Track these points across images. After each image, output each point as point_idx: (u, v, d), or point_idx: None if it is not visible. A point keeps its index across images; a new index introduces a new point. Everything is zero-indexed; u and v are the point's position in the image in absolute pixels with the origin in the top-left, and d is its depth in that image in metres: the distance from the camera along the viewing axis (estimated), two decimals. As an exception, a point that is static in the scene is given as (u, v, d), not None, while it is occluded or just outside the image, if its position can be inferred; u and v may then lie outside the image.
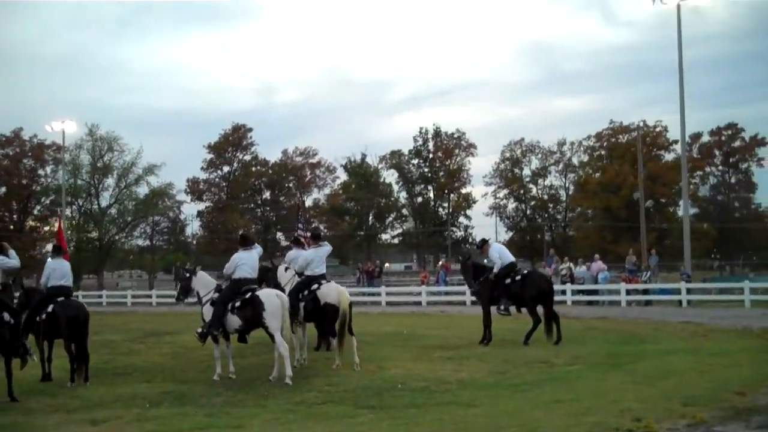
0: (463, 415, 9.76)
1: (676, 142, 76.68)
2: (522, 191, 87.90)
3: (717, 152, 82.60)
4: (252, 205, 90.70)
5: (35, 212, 78.93)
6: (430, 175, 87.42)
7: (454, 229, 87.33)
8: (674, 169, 74.08)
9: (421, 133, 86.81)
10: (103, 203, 75.60)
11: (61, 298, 13.84)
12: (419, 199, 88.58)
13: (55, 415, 10.91)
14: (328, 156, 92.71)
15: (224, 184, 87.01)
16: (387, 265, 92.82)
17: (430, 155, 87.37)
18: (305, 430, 9.24)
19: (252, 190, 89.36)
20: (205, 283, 14.46)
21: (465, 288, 35.52)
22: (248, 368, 14.74)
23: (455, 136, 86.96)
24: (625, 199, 73.09)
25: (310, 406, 10.94)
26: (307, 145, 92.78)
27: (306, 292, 14.57)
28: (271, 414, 10.37)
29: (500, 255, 17.75)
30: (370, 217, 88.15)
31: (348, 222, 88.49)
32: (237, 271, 13.79)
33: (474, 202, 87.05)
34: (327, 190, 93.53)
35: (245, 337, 14.33)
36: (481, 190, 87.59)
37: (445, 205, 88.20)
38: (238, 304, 13.44)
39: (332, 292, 14.65)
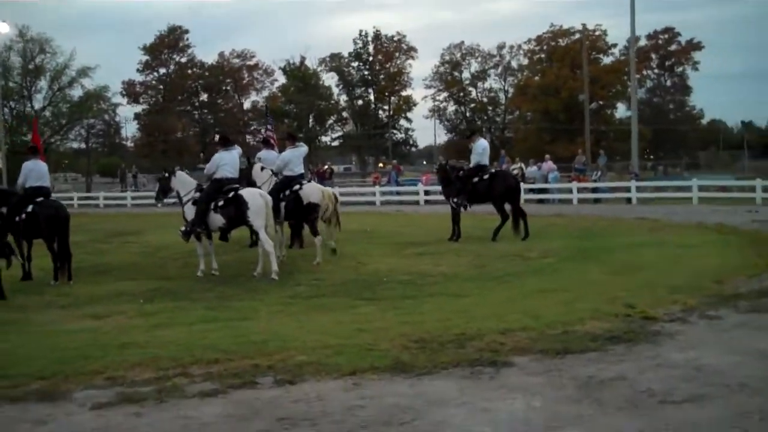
0: (461, 304, 10.13)
1: (615, 45, 77.69)
2: (462, 94, 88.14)
3: (653, 56, 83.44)
4: (189, 107, 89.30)
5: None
6: (370, 78, 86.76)
7: (395, 131, 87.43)
8: (612, 72, 75.21)
9: (361, 35, 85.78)
10: (37, 105, 73.56)
11: (40, 198, 13.78)
12: (359, 102, 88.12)
13: (50, 311, 11.02)
14: (265, 59, 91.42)
15: (161, 86, 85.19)
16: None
17: (371, 58, 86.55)
18: (312, 319, 9.47)
19: (188, 92, 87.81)
20: (185, 182, 14.51)
21: (417, 189, 36.21)
22: (228, 265, 14.91)
23: (395, 39, 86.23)
24: (563, 101, 74.03)
25: (306, 298, 11.21)
26: (243, 47, 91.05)
27: (287, 192, 14.68)
28: (270, 306, 10.58)
29: (483, 151, 18.03)
30: (310, 120, 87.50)
31: (287, 124, 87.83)
32: (219, 170, 13.86)
33: (414, 105, 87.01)
34: (265, 93, 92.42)
35: (227, 236, 14.52)
36: (421, 93, 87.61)
37: (386, 107, 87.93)
38: (221, 203, 13.54)
39: (315, 191, 14.87)
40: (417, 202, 35.53)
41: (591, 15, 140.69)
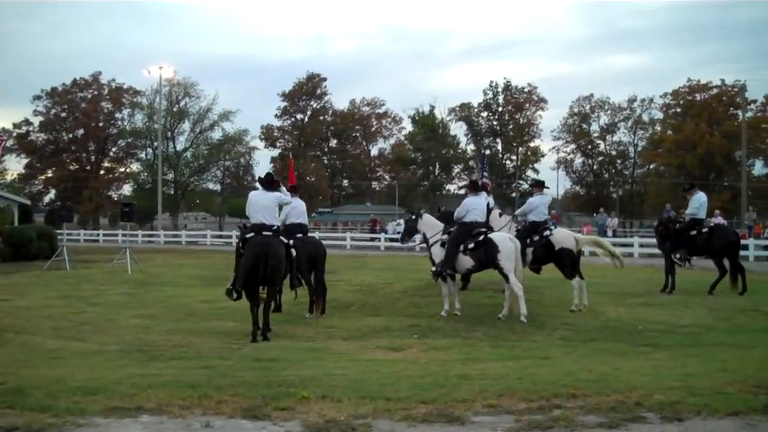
0: (735, 354, 10.17)
1: (755, 101, 76.11)
2: (590, 146, 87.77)
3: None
4: (319, 152, 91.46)
5: (111, 154, 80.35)
6: (498, 128, 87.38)
7: (521, 181, 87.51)
8: (751, 128, 73.57)
9: (491, 86, 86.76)
10: (179, 147, 76.78)
11: (300, 235, 14.48)
12: (487, 152, 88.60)
13: (337, 342, 11.55)
14: (394, 107, 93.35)
15: (296, 131, 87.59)
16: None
17: (500, 108, 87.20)
18: (613, 361, 9.69)
19: (320, 138, 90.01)
20: (432, 225, 15.03)
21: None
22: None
23: (526, 90, 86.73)
24: (699, 156, 72.87)
25: (582, 342, 11.46)
26: (373, 95, 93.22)
27: (537, 238, 15.03)
28: (552, 348, 10.92)
29: (701, 205, 18.08)
30: (436, 168, 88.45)
31: (412, 172, 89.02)
32: (468, 214, 14.35)
33: (542, 156, 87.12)
34: (392, 141, 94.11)
35: (468, 279, 14.98)
36: (548, 144, 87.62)
37: (513, 158, 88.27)
38: (471, 245, 13.99)
39: (567, 237, 15.22)
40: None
41: (706, 71, 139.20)
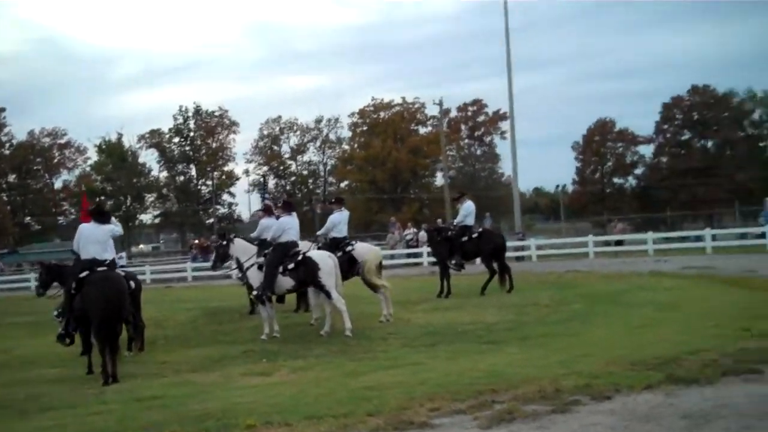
0: (571, 342, 11.41)
1: (433, 117, 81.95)
2: (282, 167, 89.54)
3: (463, 126, 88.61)
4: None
5: None
6: (191, 153, 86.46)
7: (218, 206, 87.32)
8: (433, 142, 79.20)
9: (181, 111, 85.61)
10: None
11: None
12: (181, 178, 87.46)
13: (193, 375, 11.30)
14: (77, 136, 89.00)
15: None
16: (141, 246, 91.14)
17: (191, 134, 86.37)
18: (485, 359, 10.46)
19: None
20: (245, 249, 14.99)
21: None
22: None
23: (216, 114, 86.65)
24: (389, 171, 77.23)
25: (427, 346, 12.12)
26: (54, 125, 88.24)
27: (340, 253, 15.43)
28: (399, 354, 11.54)
29: (470, 213, 19.50)
30: (128, 198, 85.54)
31: (102, 201, 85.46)
32: (284, 234, 14.51)
33: (237, 180, 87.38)
34: (77, 172, 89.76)
35: (283, 298, 15.14)
36: (242, 166, 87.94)
37: (209, 182, 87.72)
38: (291, 266, 14.18)
39: (369, 251, 15.79)
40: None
41: (380, 89, 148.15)
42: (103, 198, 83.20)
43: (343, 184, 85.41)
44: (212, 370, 11.53)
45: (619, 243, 35.52)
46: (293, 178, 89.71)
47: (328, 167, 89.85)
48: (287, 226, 14.57)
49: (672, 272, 21.12)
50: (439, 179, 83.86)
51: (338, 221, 16.14)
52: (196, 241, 46.55)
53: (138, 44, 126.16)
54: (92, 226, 11.76)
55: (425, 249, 33.33)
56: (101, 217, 11.92)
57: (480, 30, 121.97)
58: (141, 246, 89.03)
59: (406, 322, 15.22)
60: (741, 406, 6.90)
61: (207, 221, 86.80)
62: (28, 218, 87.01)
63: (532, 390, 8.10)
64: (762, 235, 30.52)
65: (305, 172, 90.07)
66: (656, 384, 8.00)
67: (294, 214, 15.04)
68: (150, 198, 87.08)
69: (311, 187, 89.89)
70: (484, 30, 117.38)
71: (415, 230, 36.51)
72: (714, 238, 31.44)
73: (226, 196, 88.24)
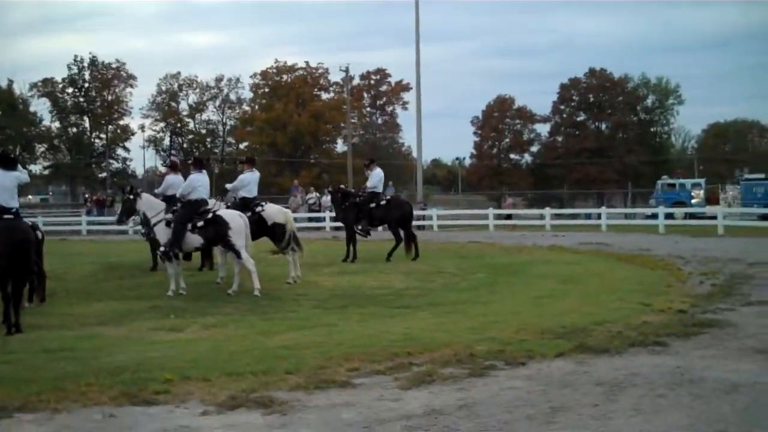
0: (480, 310, 11.64)
1: (336, 83, 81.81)
2: (179, 125, 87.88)
3: (366, 95, 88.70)
4: None
5: None
6: (86, 105, 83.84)
7: (112, 161, 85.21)
8: (335, 108, 79.12)
9: (76, 61, 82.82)
10: None
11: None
12: (74, 130, 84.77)
13: (99, 328, 11.03)
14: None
15: None
16: (30, 197, 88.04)
17: (87, 85, 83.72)
18: (396, 323, 10.60)
19: None
20: (152, 205, 14.68)
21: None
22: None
23: (114, 66, 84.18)
24: (290, 135, 76.74)
25: (339, 308, 12.19)
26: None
27: (249, 213, 15.26)
28: (311, 315, 11.62)
29: (380, 180, 19.59)
30: (17, 147, 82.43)
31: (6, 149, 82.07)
32: (194, 192, 14.30)
33: (133, 134, 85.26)
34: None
35: (190, 255, 14.95)
36: (138, 121, 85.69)
37: (103, 136, 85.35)
38: (200, 224, 14.00)
39: (279, 213, 15.69)
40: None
41: (283, 51, 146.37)
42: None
43: (242, 146, 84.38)
44: (120, 324, 11.29)
45: (508, 217, 36.36)
46: (191, 137, 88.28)
47: (228, 127, 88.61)
48: (197, 184, 14.35)
49: (570, 247, 21.78)
50: (340, 146, 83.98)
51: (248, 181, 16.00)
52: (94, 196, 45.23)
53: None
54: (200, 175, 11.42)
55: (328, 213, 33.41)
56: (7, 163, 11.46)
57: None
58: (30, 197, 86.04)
59: (314, 284, 15.24)
60: (651, 376, 7.24)
61: (100, 175, 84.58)
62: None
63: (447, 354, 8.31)
64: (654, 216, 31.67)
65: (203, 131, 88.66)
66: (568, 352, 8.33)
67: (204, 171, 14.84)
68: (41, 148, 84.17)
69: (209, 146, 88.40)
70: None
71: (317, 194, 36.51)
72: (608, 216, 32.49)
73: (120, 151, 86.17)
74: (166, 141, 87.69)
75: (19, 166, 11.79)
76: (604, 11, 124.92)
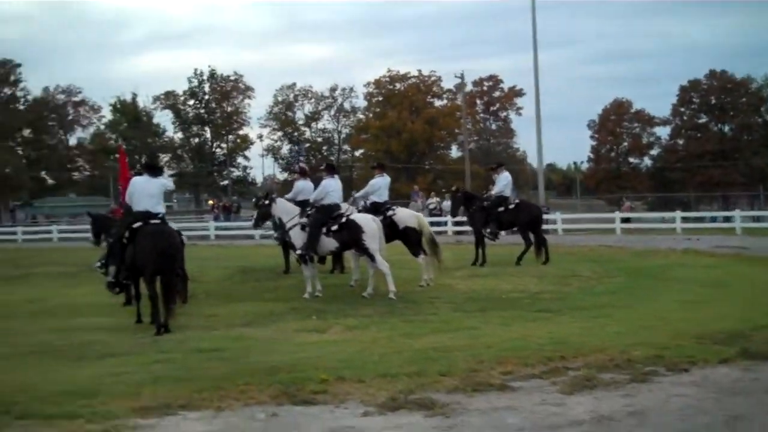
0: (626, 314, 11.30)
1: (449, 90, 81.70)
2: (296, 134, 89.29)
3: (478, 101, 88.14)
4: (12, 143, 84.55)
5: None
6: (206, 116, 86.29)
7: (233, 169, 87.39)
8: (449, 115, 79.05)
9: (196, 74, 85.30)
10: None
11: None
12: (196, 140, 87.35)
13: (246, 329, 11.19)
14: (92, 95, 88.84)
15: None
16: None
17: (206, 97, 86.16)
18: (537, 328, 10.35)
19: (14, 127, 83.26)
20: (287, 209, 14.89)
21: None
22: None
23: (232, 78, 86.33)
24: (404, 142, 77.02)
25: (478, 311, 12.03)
26: (69, 82, 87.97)
27: (381, 218, 15.26)
28: (451, 318, 11.46)
29: (507, 184, 19.40)
30: (143, 157, 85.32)
31: (115, 161, 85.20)
32: (327, 197, 14.45)
33: (252, 144, 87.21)
34: (92, 130, 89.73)
35: (324, 258, 15.10)
36: (256, 131, 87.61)
37: (223, 145, 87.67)
38: (334, 227, 14.10)
39: (411, 217, 15.70)
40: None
41: (391, 61, 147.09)
42: (116, 156, 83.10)
43: (358, 153, 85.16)
44: (264, 325, 11.44)
45: (626, 221, 35.59)
46: (307, 145, 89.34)
47: (343, 136, 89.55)
48: (330, 189, 14.51)
49: (706, 251, 21.01)
50: (455, 151, 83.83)
51: (379, 186, 16.09)
52: (221, 203, 46.42)
53: (149, 7, 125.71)
54: (144, 179, 11.67)
55: (449, 218, 33.26)
56: (153, 171, 11.83)
57: (497, 6, 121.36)
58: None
59: (447, 287, 15.13)
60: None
61: (221, 183, 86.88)
62: (43, 172, 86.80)
63: (602, 359, 8.07)
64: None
65: (319, 140, 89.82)
66: (732, 358, 7.94)
67: (336, 176, 14.93)
68: (165, 158, 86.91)
69: (325, 154, 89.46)
70: (502, 6, 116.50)
71: (438, 199, 36.42)
72: (742, 219, 31.36)
73: (240, 159, 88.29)
74: (284, 149, 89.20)
75: (165, 174, 12.11)
76: (718, 12, 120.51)
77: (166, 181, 11.93)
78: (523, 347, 8.74)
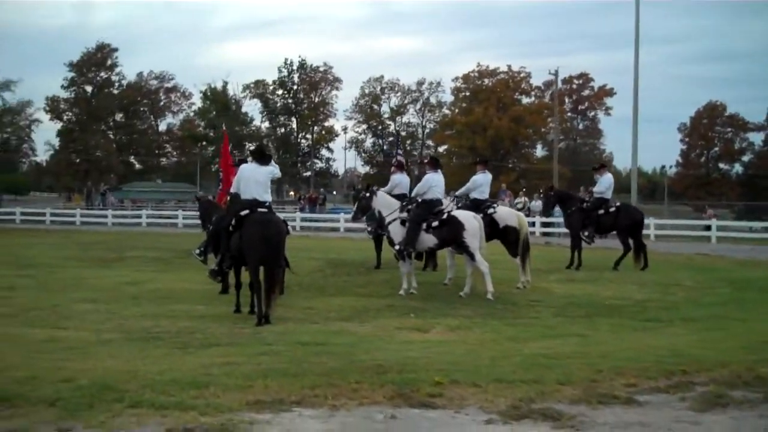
0: (742, 327, 10.78)
1: (538, 87, 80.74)
2: (380, 127, 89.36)
3: (567, 99, 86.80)
4: (104, 127, 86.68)
5: None
6: (294, 106, 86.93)
7: (317, 160, 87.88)
8: (536, 112, 78.00)
9: (286, 64, 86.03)
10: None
11: None
12: (282, 130, 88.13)
13: (344, 324, 11.03)
14: (184, 81, 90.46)
15: (83, 104, 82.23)
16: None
17: (295, 87, 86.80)
18: (650, 338, 9.96)
19: (108, 111, 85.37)
20: (387, 203, 14.65)
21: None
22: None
23: (321, 69, 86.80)
24: (489, 138, 76.29)
25: (582, 317, 11.67)
26: (162, 68, 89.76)
27: (481, 215, 14.96)
28: (554, 323, 11.14)
29: (609, 186, 18.89)
30: (229, 146, 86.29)
31: (202, 148, 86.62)
32: (430, 191, 14.17)
33: (336, 136, 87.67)
34: (181, 116, 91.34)
35: (421, 255, 14.86)
36: (342, 123, 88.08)
37: (308, 136, 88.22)
38: (435, 224, 13.82)
39: (511, 215, 15.36)
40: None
41: (478, 56, 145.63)
42: (203, 143, 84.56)
43: (441, 149, 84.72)
44: (362, 321, 11.28)
45: (707, 228, 34.53)
46: (391, 139, 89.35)
47: (427, 130, 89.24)
48: (433, 183, 14.20)
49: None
50: (539, 150, 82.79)
51: (481, 182, 15.78)
52: (307, 194, 46.71)
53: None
54: (253, 166, 11.59)
55: (538, 219, 32.77)
56: (262, 158, 11.74)
57: (595, 2, 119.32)
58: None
59: (545, 291, 14.74)
60: None
61: (304, 174, 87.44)
62: (132, 157, 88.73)
63: (727, 374, 7.65)
64: None
65: (404, 134, 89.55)
66: None
67: (440, 171, 14.64)
68: (251, 147, 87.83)
69: (408, 148, 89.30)
70: (600, 2, 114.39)
71: (526, 199, 35.87)
72: None
73: (324, 151, 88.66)
74: (368, 143, 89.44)
75: (273, 162, 12.03)
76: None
77: (273, 169, 11.82)
78: (640, 358, 8.35)
